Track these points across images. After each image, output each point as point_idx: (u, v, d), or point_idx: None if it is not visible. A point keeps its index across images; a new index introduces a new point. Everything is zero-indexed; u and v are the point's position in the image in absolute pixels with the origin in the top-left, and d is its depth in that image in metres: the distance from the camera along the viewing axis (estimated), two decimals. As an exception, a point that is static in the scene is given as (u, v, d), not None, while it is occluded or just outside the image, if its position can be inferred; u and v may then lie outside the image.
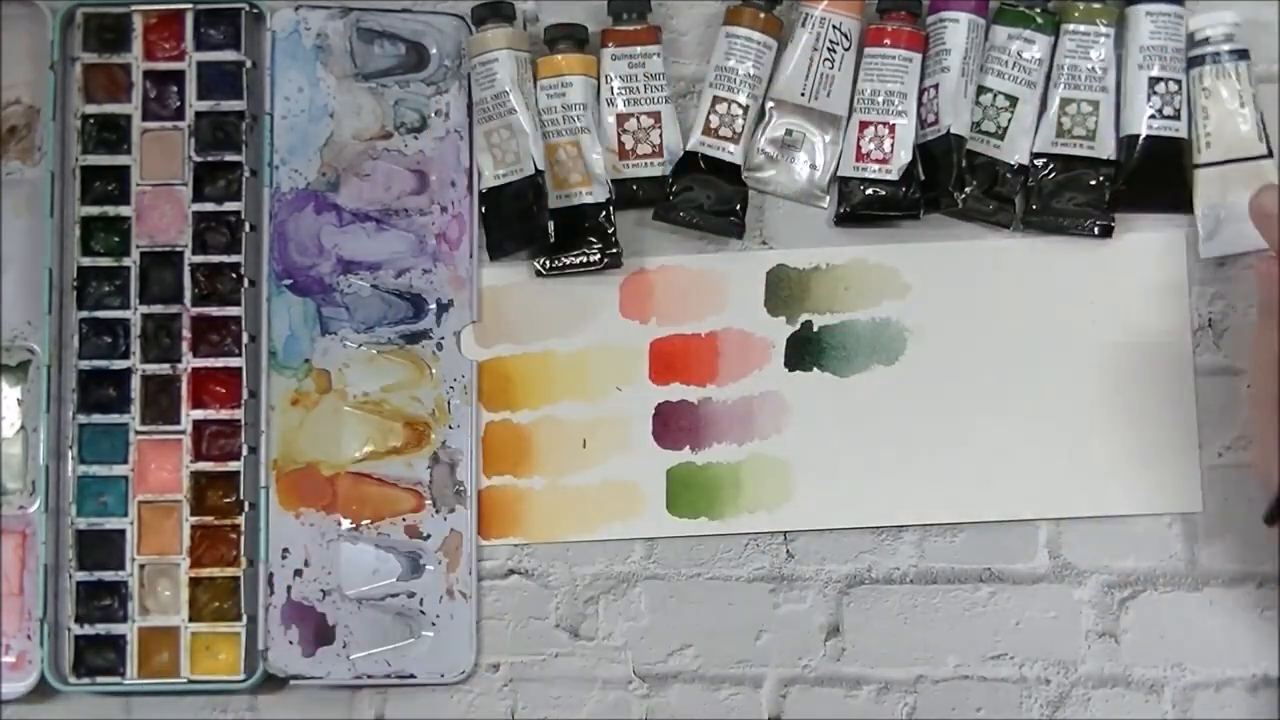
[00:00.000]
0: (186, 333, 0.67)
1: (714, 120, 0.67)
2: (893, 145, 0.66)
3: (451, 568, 0.67)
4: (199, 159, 0.68)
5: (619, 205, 0.67)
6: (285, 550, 0.67)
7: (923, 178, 0.66)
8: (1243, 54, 0.66)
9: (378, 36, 0.69)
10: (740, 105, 0.67)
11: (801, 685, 0.67)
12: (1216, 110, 0.66)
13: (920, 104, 0.66)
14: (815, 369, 0.68)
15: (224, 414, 0.67)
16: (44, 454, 0.66)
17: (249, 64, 0.68)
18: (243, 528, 0.66)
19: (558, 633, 0.68)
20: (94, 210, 0.68)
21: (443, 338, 0.68)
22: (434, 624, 0.67)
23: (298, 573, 0.67)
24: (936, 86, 0.66)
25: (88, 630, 0.66)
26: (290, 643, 0.66)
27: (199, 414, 0.67)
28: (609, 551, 0.67)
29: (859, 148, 0.67)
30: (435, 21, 0.69)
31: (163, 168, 0.68)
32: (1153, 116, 0.66)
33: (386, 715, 0.67)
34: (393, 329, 0.68)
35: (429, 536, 0.67)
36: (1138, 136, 0.66)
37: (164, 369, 0.67)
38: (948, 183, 0.65)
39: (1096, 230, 0.67)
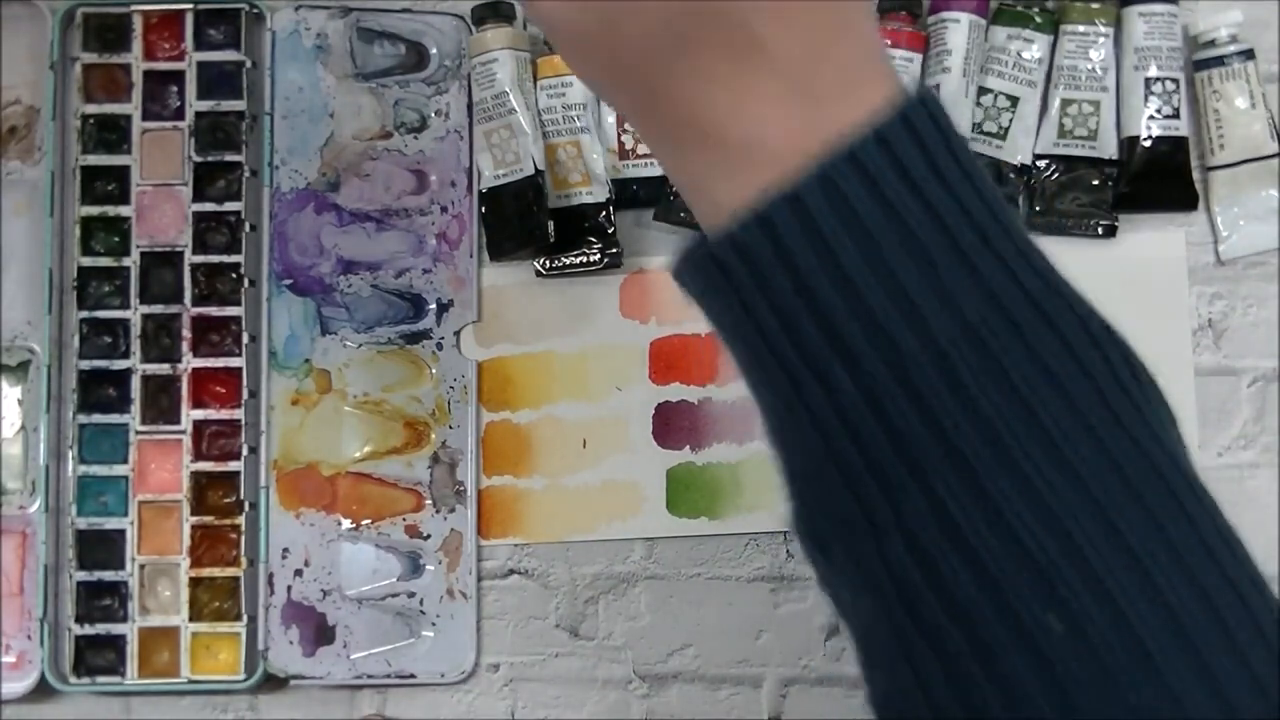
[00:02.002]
0: (186, 333, 0.67)
1: (714, 120, 0.67)
2: (893, 145, 0.66)
3: (451, 568, 0.67)
4: (199, 159, 0.68)
5: (619, 205, 0.67)
6: (285, 550, 0.67)
7: (923, 178, 0.66)
8: (1249, 53, 0.66)
9: (378, 36, 0.69)
10: (740, 105, 0.67)
11: (801, 685, 0.67)
12: (1228, 112, 0.66)
13: (920, 104, 0.66)
14: (815, 369, 0.67)
15: (224, 414, 0.67)
16: (44, 454, 0.66)
17: (249, 64, 0.68)
18: (243, 528, 0.66)
19: (558, 633, 0.67)
20: (94, 210, 0.68)
21: (443, 338, 0.68)
22: (434, 624, 0.67)
23: (298, 573, 0.67)
24: (937, 87, 0.66)
25: (88, 630, 0.66)
26: (290, 643, 0.66)
27: (199, 414, 0.67)
28: (609, 551, 0.67)
29: (859, 148, 0.67)
30: (435, 21, 0.69)
31: (163, 168, 0.68)
32: (1152, 117, 0.66)
33: (387, 715, 0.67)
34: (393, 329, 0.68)
35: (429, 536, 0.67)
36: (1138, 137, 0.66)
37: (164, 369, 0.67)
38: (948, 183, 0.65)
39: (1100, 230, 0.67)
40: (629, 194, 0.67)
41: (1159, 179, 0.67)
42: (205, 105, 0.68)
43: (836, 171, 0.25)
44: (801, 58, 0.26)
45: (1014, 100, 0.67)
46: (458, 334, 0.68)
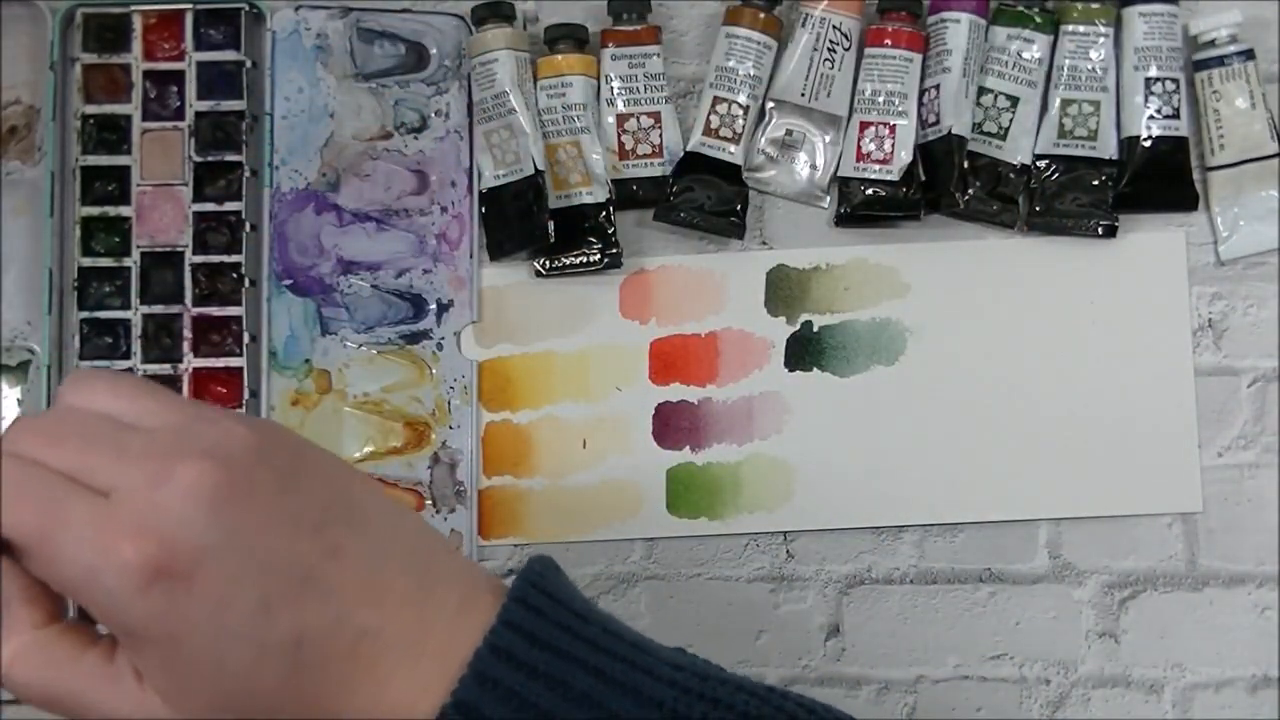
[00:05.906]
0: (187, 333, 0.67)
1: (714, 120, 0.67)
2: (893, 145, 0.66)
3: (452, 568, 0.67)
4: (199, 159, 0.68)
5: (619, 205, 0.67)
6: (286, 550, 0.67)
7: (924, 178, 0.66)
8: (1249, 54, 0.66)
9: (378, 36, 0.69)
10: (740, 105, 0.67)
11: (801, 685, 0.67)
12: (1228, 112, 0.66)
13: (921, 104, 0.66)
14: (815, 369, 0.68)
15: (224, 414, 0.67)
16: (44, 454, 0.66)
17: (249, 64, 0.68)
18: (243, 528, 0.66)
19: (558, 633, 0.67)
20: (94, 210, 0.68)
21: (443, 338, 0.68)
22: (434, 624, 0.66)
23: (298, 573, 0.67)
24: (938, 87, 0.66)
25: (88, 630, 0.66)
26: (291, 643, 0.66)
27: (199, 414, 0.67)
28: (609, 551, 0.67)
29: (859, 148, 0.67)
30: (435, 21, 0.69)
31: (163, 168, 0.68)
32: (1152, 117, 0.66)
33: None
34: (393, 329, 0.68)
35: (429, 536, 0.67)
36: (1138, 137, 0.66)
37: (165, 369, 0.67)
38: (949, 183, 0.65)
39: (1100, 230, 0.67)
40: (629, 194, 0.67)
41: (1159, 179, 0.67)
42: (205, 105, 0.68)
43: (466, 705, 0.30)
44: (408, 627, 0.31)
45: (1014, 100, 0.67)
46: (458, 334, 0.68)
